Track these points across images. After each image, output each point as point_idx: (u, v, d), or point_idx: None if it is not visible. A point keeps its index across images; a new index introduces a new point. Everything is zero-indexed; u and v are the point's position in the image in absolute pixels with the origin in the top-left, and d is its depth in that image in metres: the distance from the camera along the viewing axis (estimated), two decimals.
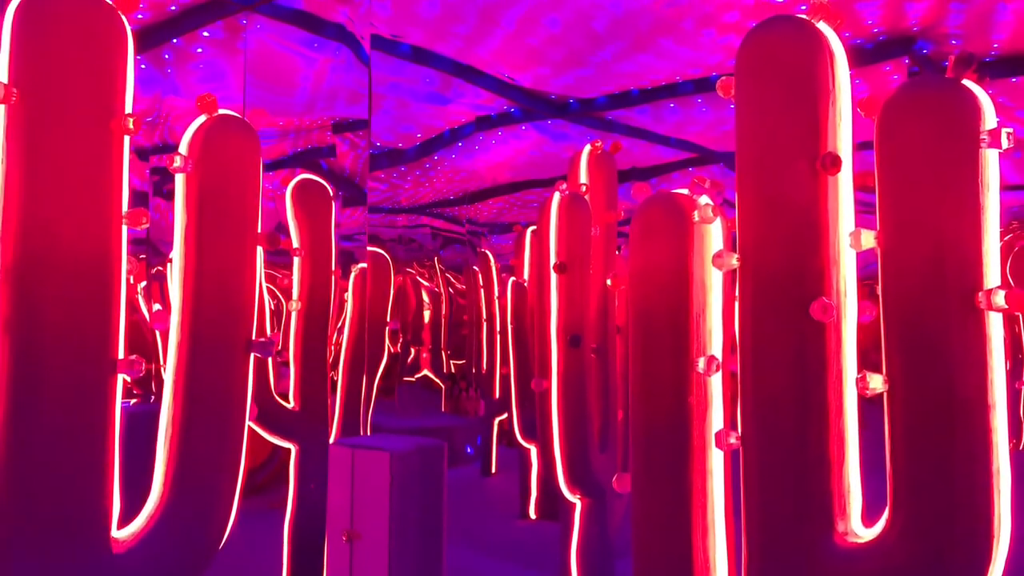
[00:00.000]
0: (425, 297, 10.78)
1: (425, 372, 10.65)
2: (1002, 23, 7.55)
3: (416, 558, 4.96)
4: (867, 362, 2.59)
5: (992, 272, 2.39)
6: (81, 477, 2.83)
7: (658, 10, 7.80)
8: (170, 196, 3.40)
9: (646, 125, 10.79)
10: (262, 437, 5.44)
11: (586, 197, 5.24)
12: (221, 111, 3.37)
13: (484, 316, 10.21)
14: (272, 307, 6.31)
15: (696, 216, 2.96)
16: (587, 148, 5.63)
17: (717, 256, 2.81)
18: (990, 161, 2.42)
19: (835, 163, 2.57)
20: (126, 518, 3.06)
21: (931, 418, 2.39)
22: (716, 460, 3.00)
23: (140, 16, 7.45)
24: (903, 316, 2.44)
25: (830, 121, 2.61)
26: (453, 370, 10.91)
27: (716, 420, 2.99)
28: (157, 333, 6.71)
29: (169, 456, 3.24)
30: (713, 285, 3.01)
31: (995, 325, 2.39)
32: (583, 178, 5.56)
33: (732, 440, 2.74)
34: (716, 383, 3.01)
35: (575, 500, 5.27)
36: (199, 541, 3.27)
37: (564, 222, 5.06)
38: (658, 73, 9.37)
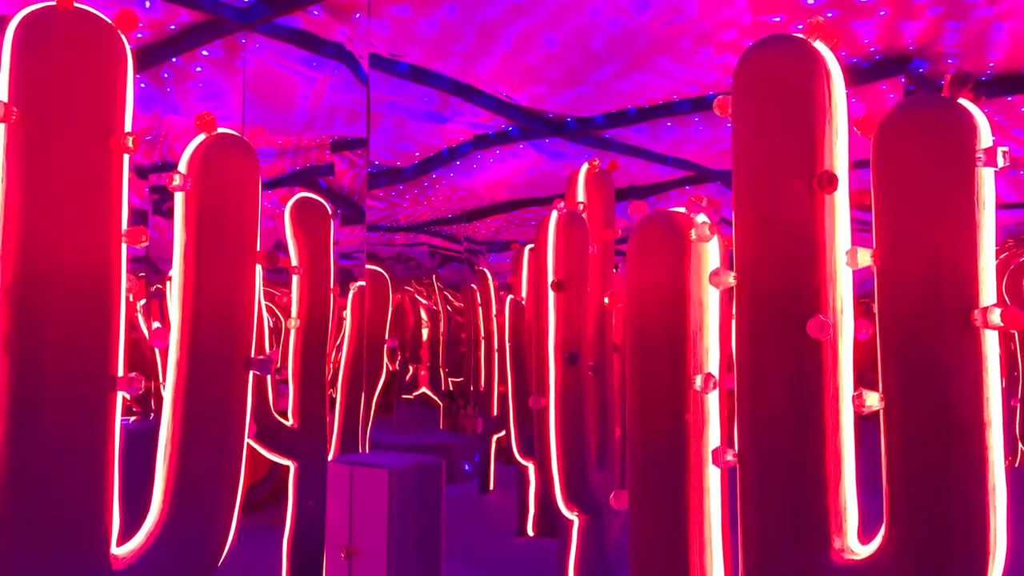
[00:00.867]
0: (423, 315, 10.77)
1: (423, 390, 10.63)
2: (998, 42, 7.57)
3: (414, 575, 4.95)
4: (863, 380, 2.60)
5: (988, 290, 2.40)
6: (81, 494, 2.83)
7: (655, 29, 7.82)
8: (169, 214, 3.41)
9: (643, 144, 10.81)
10: (261, 454, 5.44)
11: (584, 215, 5.26)
12: (220, 130, 3.38)
13: (482, 334, 10.20)
14: (271, 325, 6.33)
15: (693, 234, 2.97)
16: (585, 167, 5.65)
17: (714, 274, 2.82)
18: (986, 180, 2.43)
19: (832, 182, 2.59)
20: (126, 535, 3.06)
21: (927, 436, 2.40)
22: (713, 477, 3.00)
23: (139, 35, 7.48)
24: (899, 334, 2.45)
25: (827, 140, 2.63)
26: (451, 388, 10.90)
27: (713, 438, 3.00)
28: (156, 351, 6.71)
29: (168, 473, 3.25)
30: (710, 303, 3.02)
31: (991, 343, 2.40)
32: (581, 196, 5.57)
33: (729, 457, 2.75)
34: (713, 401, 3.02)
35: (573, 517, 5.27)
36: (198, 558, 3.27)
37: (562, 240, 5.08)
38: (655, 92, 9.39)
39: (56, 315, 2.77)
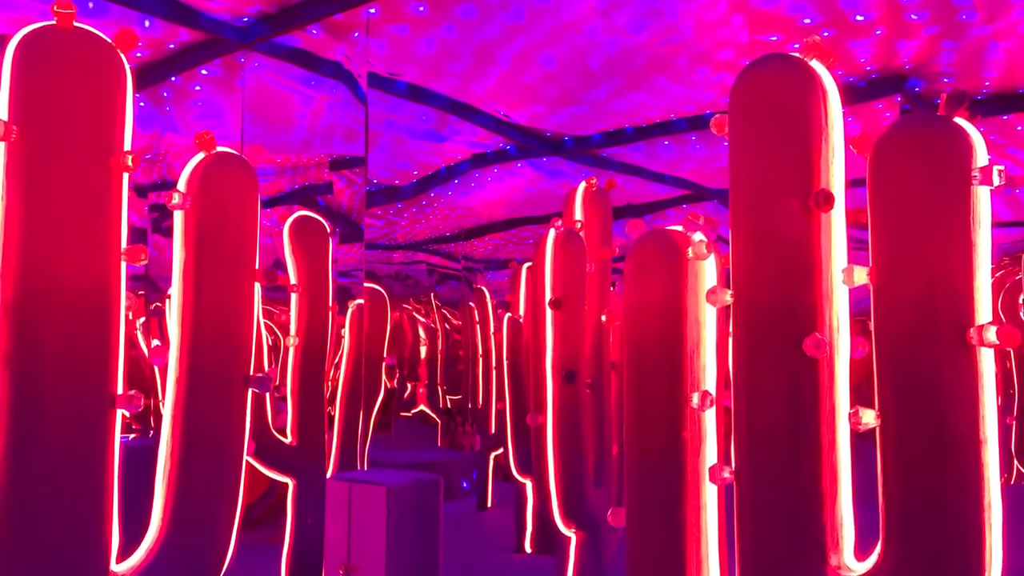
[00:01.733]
0: (421, 333, 10.77)
1: (421, 407, 10.62)
2: (993, 61, 7.60)
3: None
4: (860, 397, 2.61)
5: (984, 308, 2.41)
6: (81, 511, 2.83)
7: (652, 48, 7.84)
8: (169, 233, 3.42)
9: (640, 162, 10.83)
10: (260, 471, 5.44)
11: (581, 234, 5.27)
12: (219, 148, 3.40)
13: (480, 352, 10.19)
14: (270, 342, 6.32)
15: (690, 253, 2.99)
16: (582, 185, 5.66)
17: (711, 292, 2.83)
18: (982, 198, 2.44)
19: (828, 200, 2.60)
20: (125, 552, 3.06)
21: (923, 453, 2.40)
22: (710, 494, 3.01)
23: (139, 54, 7.50)
24: (895, 352, 2.46)
25: (823, 158, 2.64)
26: (449, 405, 10.89)
27: (710, 455, 3.01)
28: (156, 368, 6.71)
29: (168, 490, 3.25)
30: (707, 321, 3.03)
31: (987, 361, 2.41)
32: (578, 215, 5.58)
33: (726, 475, 2.75)
34: (710, 418, 3.03)
35: (570, 534, 5.27)
36: (197, 575, 3.27)
37: (559, 258, 5.09)
38: (653, 111, 9.41)
39: (56, 332, 2.78)
